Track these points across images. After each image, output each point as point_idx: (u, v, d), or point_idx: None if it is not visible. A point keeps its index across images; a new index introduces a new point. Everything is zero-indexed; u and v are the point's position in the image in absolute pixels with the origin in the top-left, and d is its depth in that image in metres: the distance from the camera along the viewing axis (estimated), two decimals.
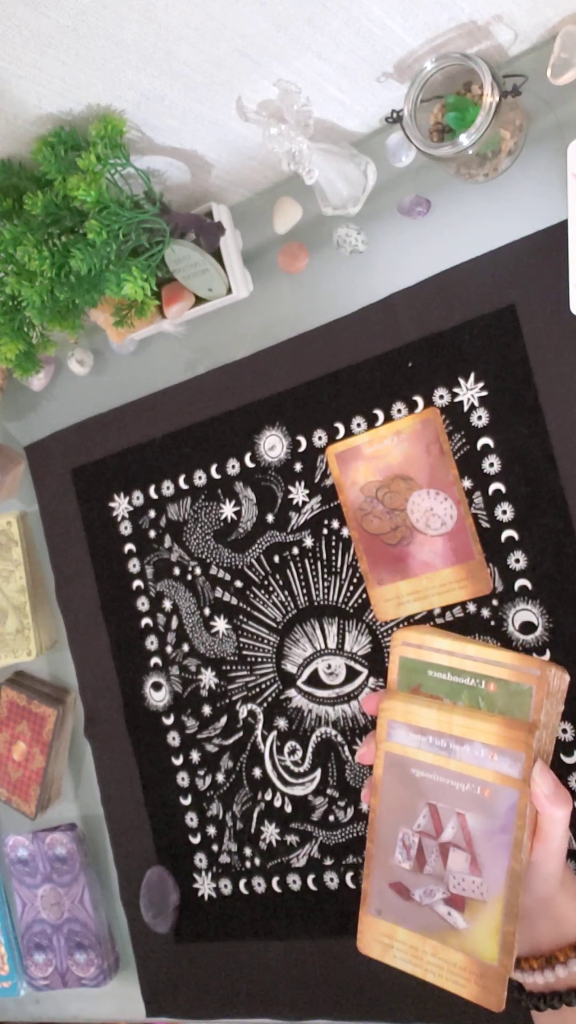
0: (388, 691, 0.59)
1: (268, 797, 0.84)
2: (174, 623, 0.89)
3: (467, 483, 0.73)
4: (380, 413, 0.77)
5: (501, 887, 0.54)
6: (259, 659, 0.84)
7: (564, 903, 0.56)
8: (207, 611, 0.87)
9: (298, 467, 0.81)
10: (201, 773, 0.88)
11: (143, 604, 0.91)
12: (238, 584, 0.85)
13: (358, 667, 0.79)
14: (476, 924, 0.55)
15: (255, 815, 0.85)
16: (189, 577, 0.87)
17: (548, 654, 0.70)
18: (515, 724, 0.54)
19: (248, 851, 0.85)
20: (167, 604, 0.89)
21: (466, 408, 0.73)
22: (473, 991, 0.55)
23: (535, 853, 0.54)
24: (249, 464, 0.83)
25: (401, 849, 0.58)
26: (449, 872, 0.56)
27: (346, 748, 0.80)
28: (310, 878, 0.82)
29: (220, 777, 0.87)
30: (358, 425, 0.78)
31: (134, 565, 0.91)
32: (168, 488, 0.88)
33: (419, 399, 0.75)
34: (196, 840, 0.88)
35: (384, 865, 0.58)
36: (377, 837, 0.59)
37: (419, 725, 0.57)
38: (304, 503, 0.81)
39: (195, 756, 0.88)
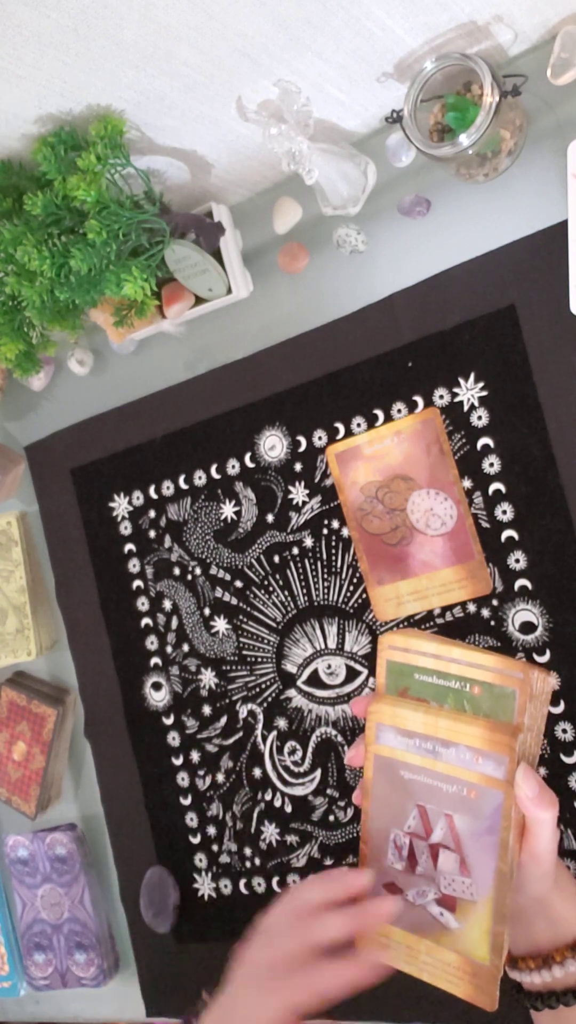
0: (376, 694, 0.60)
1: (268, 797, 0.84)
2: (174, 623, 0.89)
3: (467, 483, 0.73)
4: (380, 413, 0.77)
5: (490, 888, 0.54)
6: (259, 659, 0.84)
7: (560, 903, 0.56)
8: (207, 611, 0.87)
9: (298, 467, 0.81)
10: (201, 773, 0.88)
11: (143, 604, 0.91)
12: (238, 584, 0.85)
13: (358, 667, 0.79)
14: (467, 924, 0.55)
15: (255, 815, 0.85)
16: (189, 577, 0.87)
17: (548, 654, 0.70)
18: (499, 727, 0.54)
19: (248, 851, 0.85)
20: (167, 604, 0.89)
21: (466, 408, 0.73)
22: (467, 990, 0.55)
23: (524, 854, 0.54)
24: (249, 464, 0.83)
25: (393, 850, 0.58)
26: (440, 873, 0.56)
27: (346, 748, 0.80)
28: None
29: (220, 777, 0.87)
30: (358, 425, 0.78)
31: (134, 565, 0.91)
32: (168, 488, 0.88)
33: (419, 399, 0.75)
34: (196, 840, 0.88)
35: (377, 866, 0.59)
36: (370, 838, 0.59)
37: (406, 728, 0.57)
38: (304, 503, 0.81)
39: (195, 756, 0.88)
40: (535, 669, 0.55)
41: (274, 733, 0.83)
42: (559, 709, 0.70)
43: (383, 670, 0.60)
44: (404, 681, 0.59)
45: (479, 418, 0.72)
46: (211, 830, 0.87)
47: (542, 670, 0.56)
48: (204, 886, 0.88)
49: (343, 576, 0.79)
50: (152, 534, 0.90)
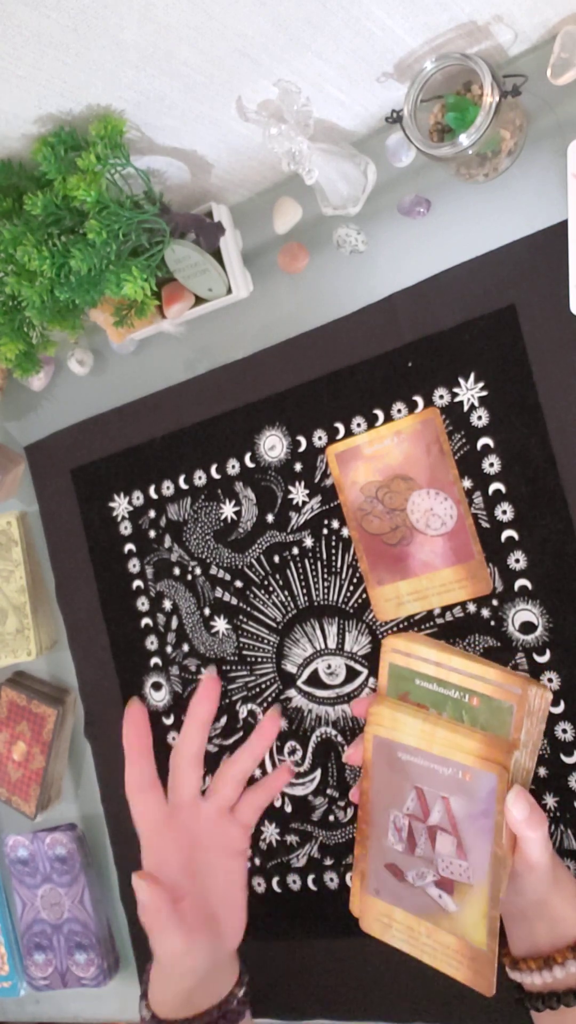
0: (377, 696, 0.60)
1: None
2: (174, 623, 0.89)
3: (467, 483, 0.73)
4: (380, 413, 0.77)
5: (486, 872, 0.55)
6: (259, 659, 0.84)
7: (559, 904, 0.57)
8: (207, 611, 0.87)
9: (298, 467, 0.81)
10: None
11: (143, 604, 0.91)
12: (238, 584, 0.85)
13: (358, 667, 0.79)
14: (465, 908, 0.56)
15: None
16: (189, 577, 0.87)
17: (548, 654, 0.70)
18: (495, 742, 0.55)
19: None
20: (167, 604, 0.89)
21: (466, 408, 0.73)
22: (466, 974, 0.56)
23: (518, 863, 0.55)
24: (249, 464, 0.83)
25: (393, 831, 0.59)
26: (438, 855, 0.57)
27: (346, 748, 0.80)
28: (310, 878, 0.82)
29: None
30: (358, 425, 0.78)
31: (134, 565, 0.91)
32: (168, 488, 0.88)
33: (419, 399, 0.75)
34: None
35: (379, 846, 0.59)
36: (371, 819, 0.60)
37: (403, 742, 0.58)
38: (304, 503, 0.81)
39: None
40: (534, 685, 0.55)
41: None
42: (559, 709, 0.70)
43: (385, 672, 0.60)
44: (405, 685, 0.59)
45: (479, 418, 0.72)
46: None
47: (541, 686, 0.56)
48: None
49: (343, 576, 0.79)
50: (152, 534, 0.90)
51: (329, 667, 0.81)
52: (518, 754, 0.55)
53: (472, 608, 0.74)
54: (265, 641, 0.84)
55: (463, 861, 0.56)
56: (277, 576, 0.82)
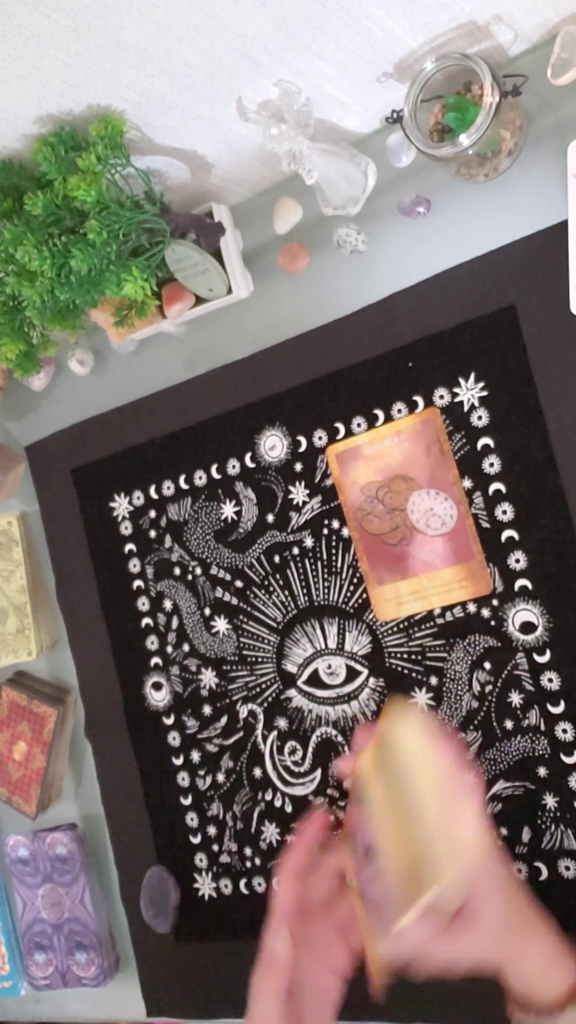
0: (356, 770, 0.64)
1: (268, 797, 0.84)
2: (174, 623, 0.89)
3: (467, 483, 0.73)
4: (380, 413, 0.77)
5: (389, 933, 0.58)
6: (259, 659, 0.84)
7: (528, 969, 0.59)
8: (207, 611, 0.87)
9: (298, 467, 0.81)
10: (201, 773, 0.88)
11: (143, 604, 0.91)
12: (238, 584, 0.85)
13: (358, 667, 0.79)
14: (375, 935, 0.60)
15: (255, 815, 0.85)
16: (189, 577, 0.87)
17: (548, 654, 0.70)
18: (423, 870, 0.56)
19: (248, 851, 0.85)
20: (167, 604, 0.89)
21: (466, 408, 0.73)
22: (370, 963, 0.60)
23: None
24: (249, 464, 0.83)
25: (361, 836, 0.62)
26: (377, 887, 0.60)
27: (346, 748, 0.80)
28: None
29: (220, 777, 0.87)
30: (358, 425, 0.78)
31: (134, 565, 0.91)
32: (168, 488, 0.88)
33: (419, 399, 0.75)
34: (196, 840, 0.88)
35: (353, 825, 0.64)
36: (350, 812, 0.64)
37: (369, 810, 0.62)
38: (304, 503, 0.81)
39: (195, 756, 0.88)
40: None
41: (274, 733, 0.84)
42: (559, 709, 0.70)
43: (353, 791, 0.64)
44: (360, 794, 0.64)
45: (479, 418, 0.72)
46: (211, 830, 0.87)
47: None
48: (204, 886, 0.88)
49: (343, 576, 0.79)
50: (152, 534, 0.90)
51: (329, 667, 0.81)
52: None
53: (472, 608, 0.74)
54: (265, 641, 0.84)
55: (388, 910, 0.58)
56: (277, 576, 0.82)
